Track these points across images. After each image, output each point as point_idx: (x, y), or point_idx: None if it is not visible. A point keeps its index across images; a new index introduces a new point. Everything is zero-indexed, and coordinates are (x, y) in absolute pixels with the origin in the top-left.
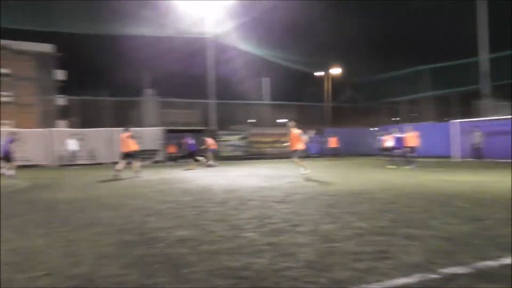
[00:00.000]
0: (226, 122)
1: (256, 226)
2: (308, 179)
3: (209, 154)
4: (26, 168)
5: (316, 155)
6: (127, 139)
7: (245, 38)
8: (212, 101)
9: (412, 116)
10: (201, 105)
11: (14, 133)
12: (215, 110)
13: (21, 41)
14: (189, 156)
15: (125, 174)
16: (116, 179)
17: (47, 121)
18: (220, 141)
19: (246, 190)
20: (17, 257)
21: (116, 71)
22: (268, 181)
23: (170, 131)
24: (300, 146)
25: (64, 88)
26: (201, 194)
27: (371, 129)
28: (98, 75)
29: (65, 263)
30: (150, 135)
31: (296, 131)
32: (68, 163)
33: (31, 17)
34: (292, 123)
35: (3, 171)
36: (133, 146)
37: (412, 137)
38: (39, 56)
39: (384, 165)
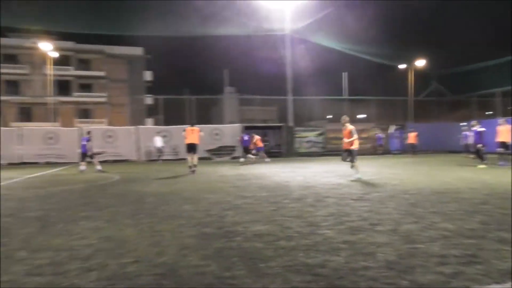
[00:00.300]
0: (304, 118)
1: (333, 224)
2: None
3: (259, 152)
4: (117, 162)
5: (396, 152)
6: (193, 133)
7: (323, 33)
8: (289, 97)
9: (507, 110)
10: (279, 101)
11: (89, 132)
12: (293, 106)
13: (115, 46)
14: (244, 151)
15: (185, 168)
16: (192, 172)
17: (136, 119)
18: (297, 137)
19: (323, 187)
20: (110, 244)
21: (198, 70)
22: (345, 178)
23: (248, 127)
24: (355, 145)
25: (151, 88)
26: (277, 190)
27: (461, 124)
28: (181, 75)
29: (151, 252)
30: (229, 131)
31: (350, 127)
32: (154, 159)
33: (123, 23)
34: (345, 118)
35: (81, 167)
36: (195, 139)
37: (504, 131)
38: (130, 59)
39: (472, 163)
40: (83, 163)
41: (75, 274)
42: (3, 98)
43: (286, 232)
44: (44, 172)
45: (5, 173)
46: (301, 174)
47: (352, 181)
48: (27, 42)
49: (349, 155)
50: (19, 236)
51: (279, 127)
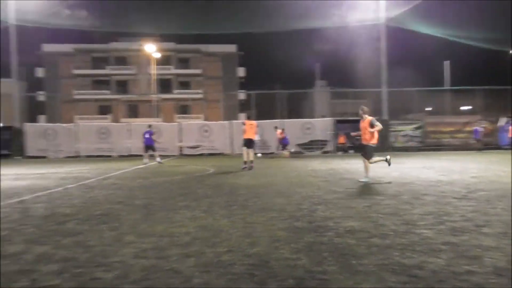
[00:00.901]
0: (400, 111)
1: (431, 223)
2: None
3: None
4: (212, 156)
5: (508, 147)
6: (252, 128)
7: (422, 19)
8: (384, 90)
9: None
10: (372, 94)
11: (150, 126)
12: (387, 99)
13: (210, 45)
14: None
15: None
16: (249, 169)
17: (230, 114)
18: (392, 131)
19: (421, 184)
20: (206, 233)
21: (289, 65)
22: (446, 174)
23: (340, 121)
24: (374, 139)
25: (243, 83)
26: (371, 185)
27: None
28: (273, 70)
29: (243, 243)
30: (320, 125)
31: (369, 118)
32: None
33: (217, 22)
34: (365, 108)
35: (145, 160)
36: (252, 134)
37: None
38: (224, 57)
39: None
40: (146, 154)
41: (175, 259)
42: (115, 96)
43: (380, 230)
44: (149, 164)
45: (116, 164)
46: (397, 169)
47: (362, 182)
48: (134, 45)
49: (364, 151)
50: (127, 222)
51: None
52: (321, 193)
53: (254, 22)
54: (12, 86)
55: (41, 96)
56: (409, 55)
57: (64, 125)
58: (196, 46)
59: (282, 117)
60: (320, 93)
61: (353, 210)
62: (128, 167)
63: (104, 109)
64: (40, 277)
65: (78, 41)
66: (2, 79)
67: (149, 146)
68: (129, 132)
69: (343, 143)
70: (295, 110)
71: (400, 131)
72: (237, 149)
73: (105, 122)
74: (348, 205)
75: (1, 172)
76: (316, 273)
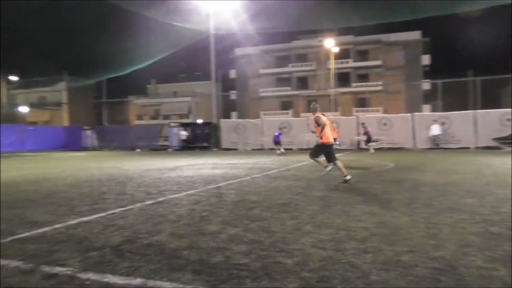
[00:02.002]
0: None
1: None
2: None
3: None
4: (392, 150)
5: None
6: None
7: None
8: None
9: None
10: None
11: (282, 128)
12: None
13: (391, 33)
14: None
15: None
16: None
17: (412, 106)
18: None
19: None
20: (384, 230)
21: (484, 48)
22: None
23: None
24: (324, 138)
25: (428, 72)
26: None
27: None
28: (463, 56)
29: (427, 244)
30: None
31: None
32: (431, 147)
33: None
34: (314, 105)
35: (278, 152)
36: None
37: None
38: (407, 45)
39: None
40: (276, 147)
41: (352, 253)
42: (295, 92)
43: None
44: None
45: (296, 157)
46: None
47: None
48: (314, 42)
49: (318, 151)
50: (306, 212)
51: None
52: None
53: (442, 5)
54: (210, 88)
55: (233, 95)
56: None
57: (252, 120)
58: (376, 36)
59: (475, 107)
60: None
61: None
62: (307, 160)
63: (285, 105)
64: (232, 255)
65: (264, 42)
66: (204, 82)
67: (277, 142)
68: (307, 126)
69: None
70: (492, 99)
71: None
72: (419, 143)
73: (286, 117)
74: None
75: (202, 162)
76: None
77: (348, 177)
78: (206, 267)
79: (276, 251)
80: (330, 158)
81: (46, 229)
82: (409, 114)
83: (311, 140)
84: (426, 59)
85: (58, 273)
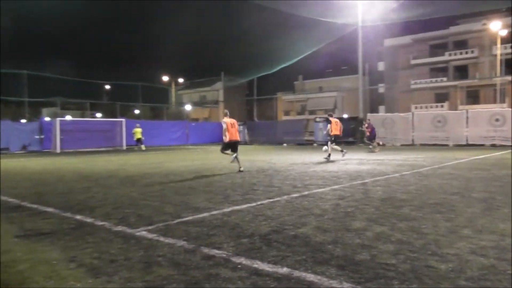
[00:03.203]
0: None
1: None
2: None
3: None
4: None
5: None
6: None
7: None
8: None
9: None
10: None
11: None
12: None
13: None
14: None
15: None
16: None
17: None
18: None
19: None
20: None
21: None
22: None
23: None
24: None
25: None
26: None
27: None
28: None
29: None
30: None
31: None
32: None
33: None
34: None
35: (370, 149)
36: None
37: None
38: None
39: None
40: (369, 142)
41: None
42: (453, 83)
43: None
44: (488, 155)
45: (452, 154)
46: None
47: None
48: (476, 26)
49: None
50: (464, 214)
51: None
52: None
53: None
54: (357, 81)
55: (381, 88)
56: None
57: (401, 114)
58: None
59: None
60: None
61: None
62: (465, 157)
63: (440, 97)
64: (378, 254)
65: (416, 31)
66: (350, 76)
67: (371, 137)
68: (466, 120)
69: None
70: None
71: None
72: None
73: (441, 110)
74: None
75: (348, 157)
76: None
77: None
78: (350, 263)
79: (427, 254)
80: None
81: (205, 214)
82: None
83: (470, 135)
84: None
85: (215, 255)
